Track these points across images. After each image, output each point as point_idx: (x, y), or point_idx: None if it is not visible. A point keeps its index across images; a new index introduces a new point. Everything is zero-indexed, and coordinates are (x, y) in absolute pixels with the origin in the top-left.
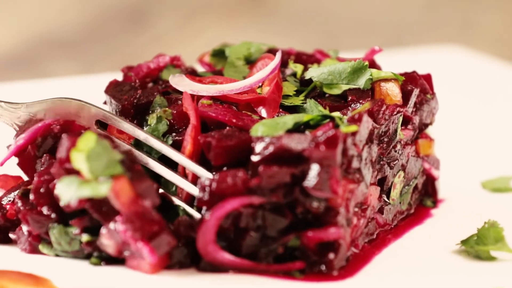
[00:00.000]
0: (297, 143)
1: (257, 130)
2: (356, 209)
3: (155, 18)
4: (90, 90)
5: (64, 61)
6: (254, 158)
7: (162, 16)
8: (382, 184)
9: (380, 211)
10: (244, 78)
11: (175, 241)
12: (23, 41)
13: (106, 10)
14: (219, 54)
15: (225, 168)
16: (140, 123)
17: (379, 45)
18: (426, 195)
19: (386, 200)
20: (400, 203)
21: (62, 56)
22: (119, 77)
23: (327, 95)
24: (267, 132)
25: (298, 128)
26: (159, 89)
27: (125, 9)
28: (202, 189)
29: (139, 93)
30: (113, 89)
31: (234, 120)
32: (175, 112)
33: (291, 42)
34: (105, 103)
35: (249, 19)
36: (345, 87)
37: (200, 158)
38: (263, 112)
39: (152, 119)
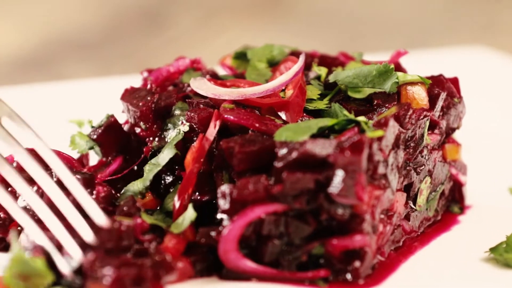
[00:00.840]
0: (322, 148)
1: (280, 135)
2: (382, 216)
3: (172, 19)
4: (107, 93)
5: (80, 63)
6: (277, 164)
7: (179, 17)
8: (409, 190)
9: (407, 217)
10: (267, 81)
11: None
12: (38, 43)
13: (122, 11)
14: (241, 56)
15: (247, 174)
16: (161, 127)
17: (400, 46)
18: (453, 201)
19: (413, 206)
20: (426, 209)
21: (78, 57)
22: (136, 79)
23: (351, 98)
24: (291, 137)
25: (322, 133)
26: (177, 91)
27: (142, 10)
28: (223, 197)
29: (157, 97)
30: (129, 96)
31: (257, 125)
32: (197, 115)
33: (310, 43)
34: (122, 111)
35: (268, 20)
36: (370, 90)
37: (221, 162)
38: (286, 116)
39: (174, 124)
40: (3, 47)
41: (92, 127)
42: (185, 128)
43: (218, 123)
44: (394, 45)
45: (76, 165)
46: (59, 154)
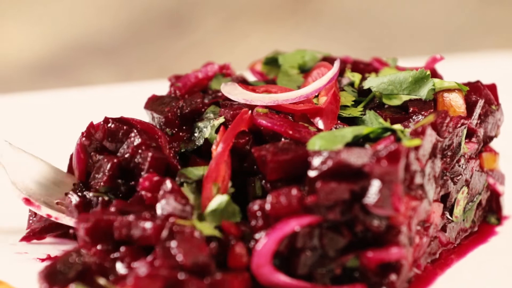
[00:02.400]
0: (357, 157)
1: (314, 143)
2: (419, 228)
3: (194, 23)
4: (128, 99)
5: (100, 68)
6: (311, 174)
7: (202, 21)
8: (445, 200)
9: (443, 229)
10: (299, 87)
11: None
12: (58, 48)
13: (143, 15)
14: (272, 62)
15: (279, 184)
16: (190, 132)
17: (432, 51)
18: (490, 211)
19: (449, 217)
20: (463, 220)
21: (98, 63)
22: (158, 84)
23: (386, 106)
24: (325, 145)
25: (357, 142)
26: (201, 95)
27: (163, 13)
28: (253, 216)
29: (182, 103)
30: (152, 103)
31: (290, 132)
32: (231, 113)
33: (337, 47)
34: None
35: (293, 23)
36: (405, 97)
37: (253, 168)
38: (320, 123)
39: (205, 126)
40: (22, 52)
41: None
42: (221, 119)
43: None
44: (425, 50)
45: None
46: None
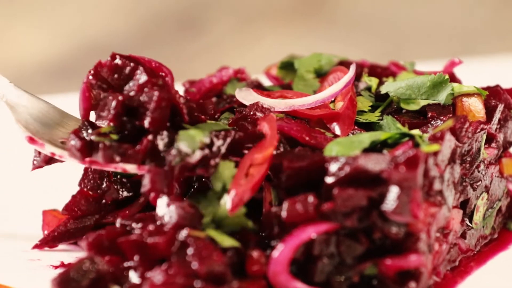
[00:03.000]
0: (375, 163)
1: (331, 149)
2: (438, 234)
3: (208, 26)
4: None
5: None
6: (328, 180)
7: (216, 24)
8: (465, 207)
9: (463, 236)
10: (315, 92)
11: None
12: (70, 50)
13: (155, 17)
14: (287, 66)
15: (295, 190)
16: None
17: (449, 54)
18: (510, 218)
19: (469, 224)
20: (483, 227)
21: None
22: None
23: (404, 111)
24: (342, 151)
25: (374, 147)
26: (213, 101)
27: (176, 16)
28: (269, 223)
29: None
30: None
31: (306, 138)
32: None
33: (352, 50)
34: None
35: (307, 26)
36: (424, 102)
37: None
38: (336, 129)
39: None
40: (34, 56)
41: None
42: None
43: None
44: (442, 53)
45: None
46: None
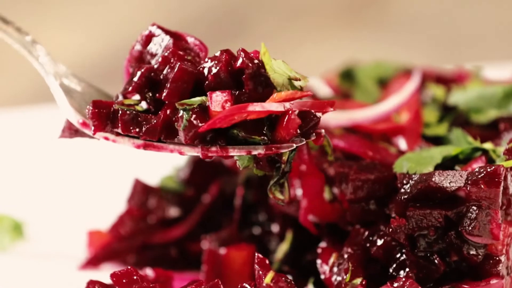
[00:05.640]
0: (451, 181)
1: (401, 165)
2: None
3: (251, 25)
4: None
5: None
6: (400, 198)
7: (255, 26)
8: None
9: None
10: (377, 102)
11: None
12: (106, 51)
13: (193, 17)
14: (346, 74)
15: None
16: None
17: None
18: None
19: None
20: None
21: None
22: None
23: (473, 123)
24: (414, 168)
25: (444, 163)
26: None
27: (216, 15)
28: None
29: None
30: None
31: (370, 153)
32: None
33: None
34: None
35: (357, 26)
36: (494, 113)
37: None
38: (402, 143)
39: None
40: (69, 57)
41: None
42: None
43: None
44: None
45: None
46: None
